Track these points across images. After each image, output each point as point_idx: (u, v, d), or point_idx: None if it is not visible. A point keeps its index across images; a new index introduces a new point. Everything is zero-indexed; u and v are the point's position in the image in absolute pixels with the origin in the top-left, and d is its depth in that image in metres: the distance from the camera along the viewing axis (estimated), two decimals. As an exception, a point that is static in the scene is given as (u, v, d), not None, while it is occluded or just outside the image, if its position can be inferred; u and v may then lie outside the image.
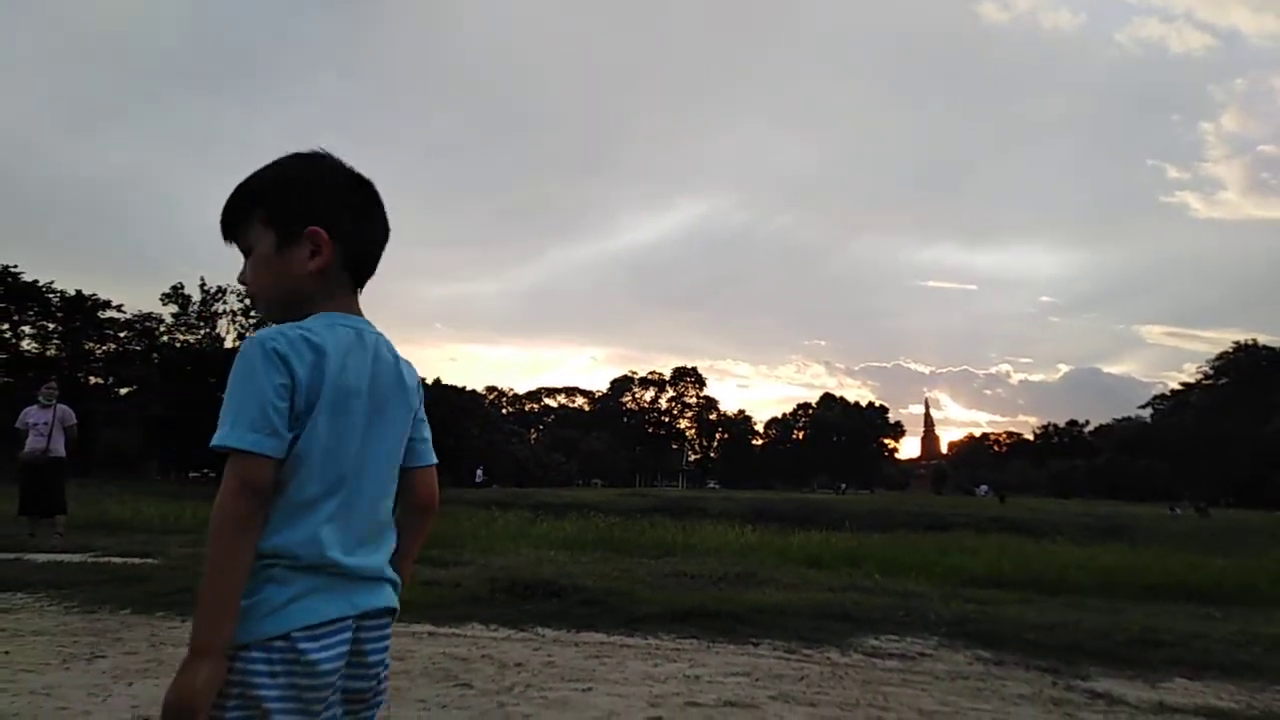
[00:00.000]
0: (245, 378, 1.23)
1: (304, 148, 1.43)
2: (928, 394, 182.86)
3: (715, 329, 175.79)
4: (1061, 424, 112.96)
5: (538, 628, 5.62)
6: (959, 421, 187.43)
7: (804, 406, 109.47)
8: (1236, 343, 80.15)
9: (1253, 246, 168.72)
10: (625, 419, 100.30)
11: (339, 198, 1.40)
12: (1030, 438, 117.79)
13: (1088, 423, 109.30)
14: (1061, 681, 4.68)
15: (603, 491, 47.04)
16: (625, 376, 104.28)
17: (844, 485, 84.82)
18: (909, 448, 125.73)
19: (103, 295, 52.01)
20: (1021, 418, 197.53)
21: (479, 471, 49.75)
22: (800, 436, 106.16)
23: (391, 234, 1.46)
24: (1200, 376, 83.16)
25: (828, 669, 4.80)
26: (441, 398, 67.13)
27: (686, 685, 4.24)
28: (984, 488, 74.37)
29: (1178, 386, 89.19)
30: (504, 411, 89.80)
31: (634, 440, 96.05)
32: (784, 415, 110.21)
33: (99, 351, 54.16)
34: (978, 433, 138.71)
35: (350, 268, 1.41)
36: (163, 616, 5.55)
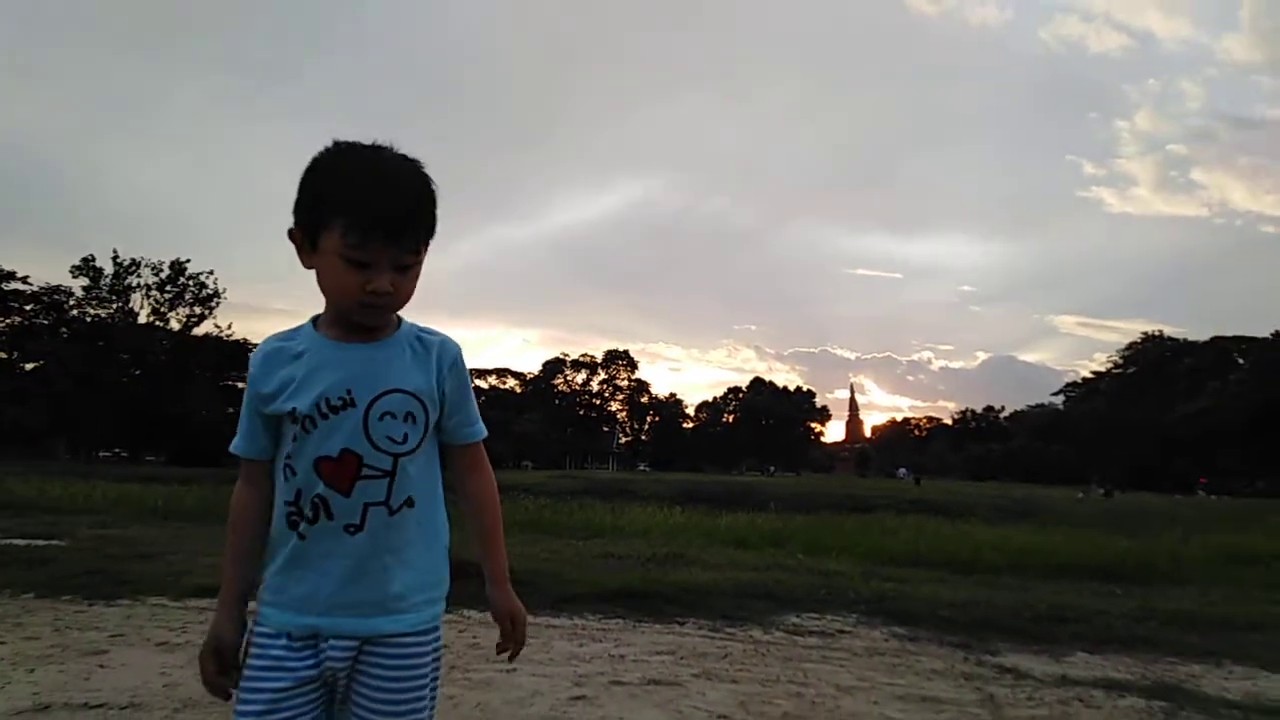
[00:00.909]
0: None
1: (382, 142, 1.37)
2: (853, 379, 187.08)
3: (648, 312, 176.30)
4: (979, 409, 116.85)
5: (463, 610, 5.57)
6: (882, 406, 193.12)
7: (734, 390, 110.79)
8: (1145, 333, 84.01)
9: (1161, 241, 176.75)
10: (557, 401, 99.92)
11: None
12: (949, 422, 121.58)
13: (1004, 408, 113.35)
14: (973, 656, 4.86)
15: (533, 474, 46.74)
16: (557, 358, 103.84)
17: (773, 468, 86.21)
18: (834, 431, 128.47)
19: (7, 266, 49.49)
20: (941, 403, 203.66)
21: None
22: (730, 420, 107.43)
23: None
24: (1110, 365, 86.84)
25: (750, 647, 4.89)
26: (369, 377, 65.78)
27: (611, 664, 4.27)
28: (902, 470, 76.50)
29: (1089, 375, 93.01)
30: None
31: (565, 422, 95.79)
32: (714, 399, 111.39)
33: (2, 325, 51.46)
34: (900, 417, 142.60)
35: None
36: (68, 600, 5.33)
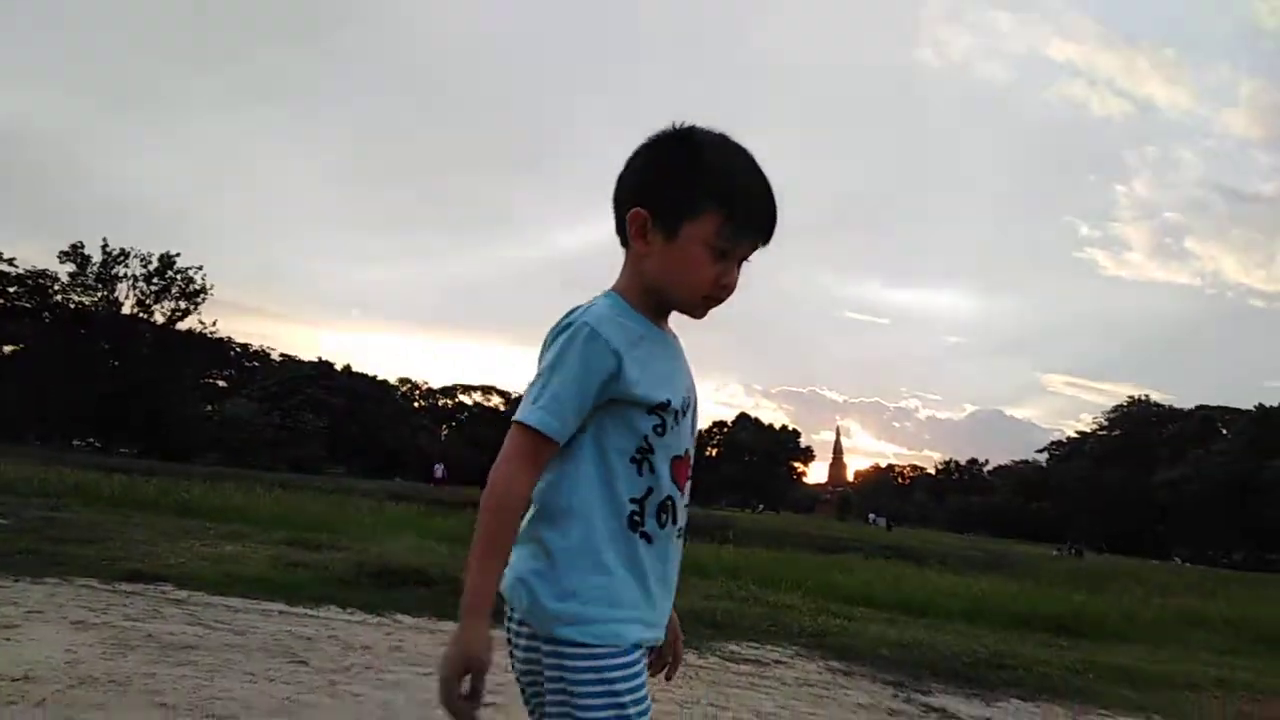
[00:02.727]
0: None
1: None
2: (839, 421, 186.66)
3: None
4: (963, 461, 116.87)
5: (398, 615, 5.50)
6: (867, 451, 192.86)
7: (720, 425, 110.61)
8: (1131, 397, 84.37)
9: (1153, 307, 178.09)
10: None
11: None
12: (933, 472, 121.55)
13: (988, 462, 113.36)
14: (902, 694, 4.82)
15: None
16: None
17: (760, 506, 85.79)
18: (817, 473, 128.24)
19: (-6, 248, 49.24)
20: (926, 452, 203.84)
21: (438, 468, 47.46)
22: (714, 454, 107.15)
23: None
24: (1095, 427, 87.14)
25: (679, 669, 4.82)
26: (351, 385, 65.57)
27: (531, 675, 4.21)
28: (873, 515, 76.37)
29: (1073, 434, 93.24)
30: (415, 405, 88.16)
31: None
32: (700, 431, 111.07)
33: (-16, 306, 51.07)
34: (884, 463, 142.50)
35: None
36: (-7, 576, 5.22)
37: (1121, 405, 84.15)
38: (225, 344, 61.60)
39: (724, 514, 48.83)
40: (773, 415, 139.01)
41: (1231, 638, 10.06)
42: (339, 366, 70.00)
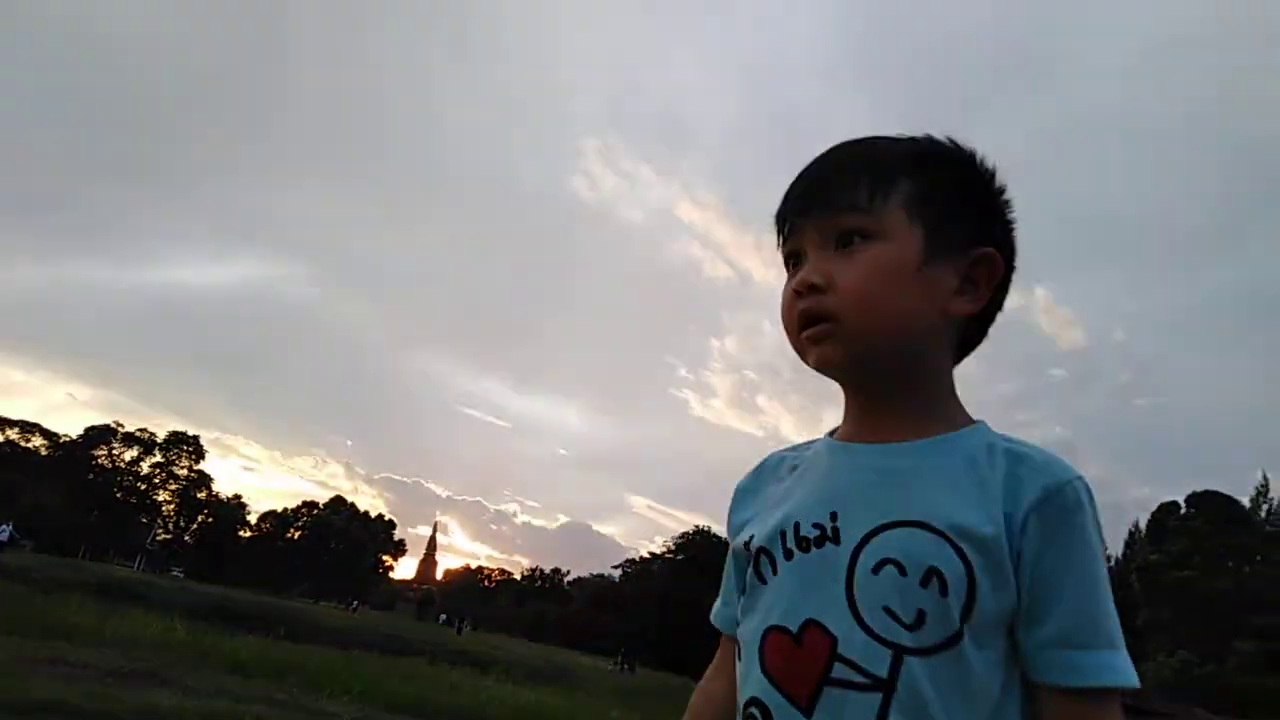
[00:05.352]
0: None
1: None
2: (438, 517, 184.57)
3: (234, 400, 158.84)
4: (548, 570, 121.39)
5: None
6: (461, 550, 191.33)
7: (309, 505, 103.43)
8: (696, 526, 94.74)
9: (724, 448, 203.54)
10: (92, 475, 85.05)
11: (1008, 211, 0.90)
12: (518, 577, 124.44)
13: (570, 572, 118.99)
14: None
15: (24, 556, 38.56)
16: (107, 426, 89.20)
17: (355, 603, 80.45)
18: (407, 568, 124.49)
19: None
20: (517, 557, 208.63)
21: (5, 528, 37.22)
22: (296, 536, 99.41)
23: None
24: (665, 549, 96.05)
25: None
26: None
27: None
28: (444, 616, 76.03)
29: (646, 554, 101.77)
30: (-80, 433, 70.70)
31: (94, 503, 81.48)
32: (284, 510, 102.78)
33: None
34: (475, 564, 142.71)
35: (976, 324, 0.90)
36: None
37: (688, 532, 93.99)
38: None
39: (294, 604, 45.22)
40: (371, 503, 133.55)
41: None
42: None
